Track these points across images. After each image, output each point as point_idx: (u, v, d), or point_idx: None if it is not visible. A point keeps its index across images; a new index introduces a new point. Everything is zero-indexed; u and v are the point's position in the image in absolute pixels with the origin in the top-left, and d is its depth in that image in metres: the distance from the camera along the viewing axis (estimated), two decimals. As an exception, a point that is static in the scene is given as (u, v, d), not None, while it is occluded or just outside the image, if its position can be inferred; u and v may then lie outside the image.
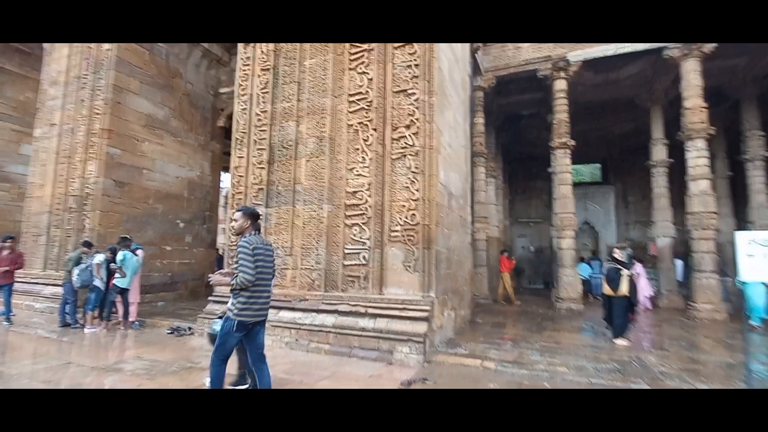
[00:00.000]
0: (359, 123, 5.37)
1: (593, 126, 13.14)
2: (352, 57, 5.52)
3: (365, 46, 5.44)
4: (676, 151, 10.28)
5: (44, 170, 8.53)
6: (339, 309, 5.07)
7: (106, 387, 3.74)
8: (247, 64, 6.28)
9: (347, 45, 5.55)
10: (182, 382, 3.83)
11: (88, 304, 6.20)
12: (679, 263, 10.66)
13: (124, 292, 6.25)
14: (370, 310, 4.92)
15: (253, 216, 3.00)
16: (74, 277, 6.14)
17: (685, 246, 12.43)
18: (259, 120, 6.02)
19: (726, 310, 7.69)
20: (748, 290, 3.94)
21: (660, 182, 10.29)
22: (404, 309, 4.77)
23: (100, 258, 6.19)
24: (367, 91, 5.36)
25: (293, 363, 4.52)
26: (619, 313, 5.59)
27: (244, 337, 2.87)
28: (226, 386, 3.13)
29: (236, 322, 2.75)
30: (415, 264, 4.92)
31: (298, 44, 5.87)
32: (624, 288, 5.53)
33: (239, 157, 6.15)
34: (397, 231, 5.04)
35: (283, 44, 5.99)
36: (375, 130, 5.27)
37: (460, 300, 6.66)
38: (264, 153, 5.91)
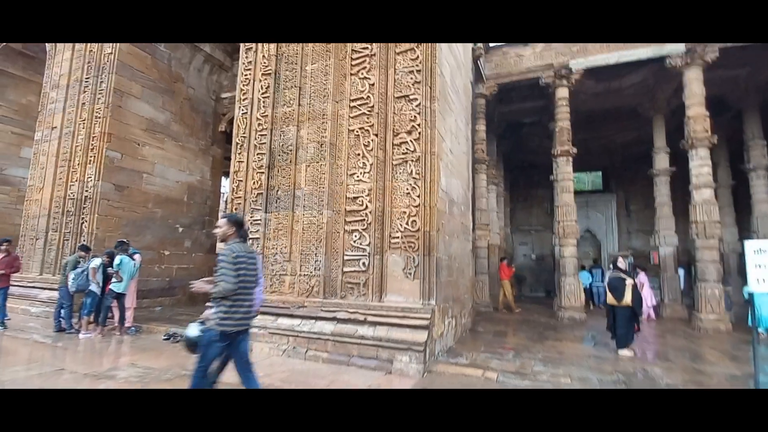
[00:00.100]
0: (360, 128, 5.33)
1: (595, 134, 13.12)
2: (354, 62, 5.50)
3: (367, 51, 5.43)
4: (678, 160, 10.25)
5: (43, 173, 8.50)
6: (338, 316, 4.98)
7: (98, 395, 3.65)
8: (249, 69, 6.26)
9: (349, 50, 5.54)
10: (176, 390, 3.73)
11: (83, 309, 6.12)
12: (680, 272, 10.56)
13: (120, 297, 6.17)
14: (370, 318, 4.83)
15: (237, 223, 2.95)
16: (70, 281, 6.07)
17: (687, 255, 12.36)
18: (260, 124, 5.99)
19: (730, 320, 7.58)
20: (756, 300, 3.85)
21: (662, 191, 10.22)
22: (404, 317, 4.68)
23: (96, 262, 6.11)
24: (369, 97, 5.33)
25: (290, 371, 4.42)
26: (622, 323, 5.49)
27: (227, 347, 2.80)
28: None
29: (218, 332, 2.70)
30: (415, 271, 4.84)
31: (299, 49, 5.86)
32: (628, 297, 5.44)
33: (239, 161, 6.10)
34: (397, 237, 4.97)
35: (285, 49, 5.98)
36: (376, 135, 5.22)
37: (461, 308, 6.57)
38: (264, 158, 5.86)
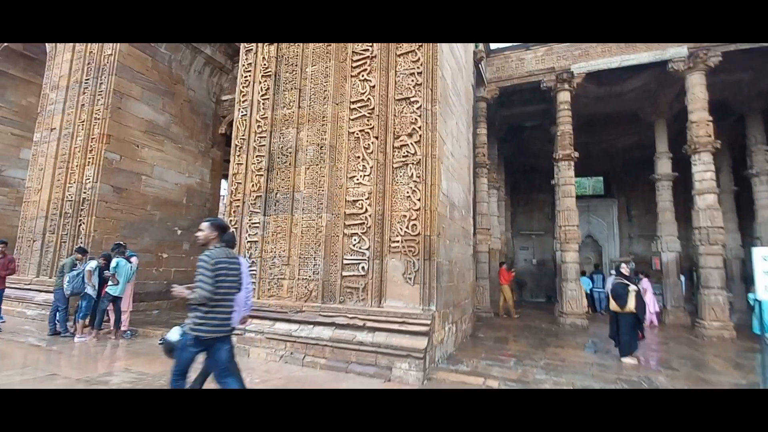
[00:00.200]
0: (360, 131, 5.27)
1: (596, 139, 13.07)
2: (355, 64, 5.46)
3: (368, 53, 5.38)
4: (680, 165, 10.18)
5: (41, 175, 8.44)
6: (336, 321, 4.89)
7: (90, 401, 3.57)
8: (249, 70, 6.22)
9: (350, 52, 5.49)
10: (170, 397, 3.64)
11: (78, 312, 6.03)
12: (681, 279, 10.46)
13: (116, 300, 6.09)
14: (369, 323, 4.74)
15: (220, 228, 2.90)
16: (65, 284, 5.99)
17: (689, 261, 12.26)
18: (259, 126, 5.94)
19: (734, 327, 7.48)
20: (764, 308, 3.77)
21: (665, 196, 10.15)
22: (404, 323, 4.60)
23: (92, 265, 6.03)
24: (369, 99, 5.28)
25: (287, 378, 4.33)
26: (626, 331, 5.40)
27: (205, 353, 2.75)
28: None
29: (192, 337, 2.65)
30: (415, 276, 4.76)
31: (300, 51, 5.81)
32: (631, 304, 5.36)
33: (238, 163, 6.04)
34: (397, 241, 4.89)
35: (285, 51, 5.94)
36: (376, 138, 5.16)
37: (462, 314, 6.48)
38: (263, 160, 5.81)
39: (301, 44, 5.82)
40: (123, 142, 8.23)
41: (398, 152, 5.07)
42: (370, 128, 5.21)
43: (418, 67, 5.14)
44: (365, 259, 4.98)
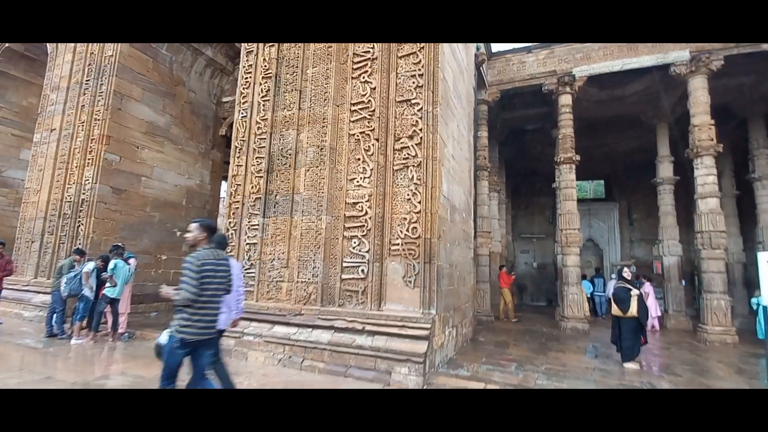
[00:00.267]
0: (361, 132, 5.24)
1: (597, 142, 13.03)
2: (356, 66, 5.43)
3: (369, 54, 5.36)
4: (682, 169, 10.14)
5: (41, 176, 8.42)
6: (335, 325, 4.84)
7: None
8: (249, 72, 6.20)
9: (350, 53, 5.47)
10: (166, 401, 3.59)
11: (75, 314, 5.98)
12: (681, 283, 10.40)
13: (113, 302, 6.03)
14: (368, 327, 4.69)
15: (208, 229, 2.87)
16: (62, 286, 5.95)
17: (690, 265, 12.20)
18: (259, 128, 5.91)
19: (736, 332, 7.41)
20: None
21: (666, 200, 10.11)
22: (403, 326, 4.55)
23: (89, 266, 5.99)
24: (370, 101, 5.25)
25: (285, 383, 4.27)
26: (628, 336, 5.35)
27: (189, 355, 2.72)
28: None
29: (178, 339, 2.62)
30: (415, 279, 4.71)
31: (300, 52, 5.79)
32: (634, 309, 5.30)
33: (238, 165, 6.01)
34: (397, 244, 4.85)
35: (286, 52, 5.92)
36: (377, 140, 5.13)
37: (462, 317, 6.42)
38: (263, 162, 5.77)
39: (301, 46, 5.81)
40: (123, 143, 8.20)
41: (399, 154, 5.04)
42: (371, 130, 5.18)
43: (419, 69, 5.11)
44: (365, 262, 4.93)
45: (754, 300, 7.73)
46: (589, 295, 11.48)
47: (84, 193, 7.73)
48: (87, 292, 5.94)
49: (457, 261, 6.19)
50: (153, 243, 8.86)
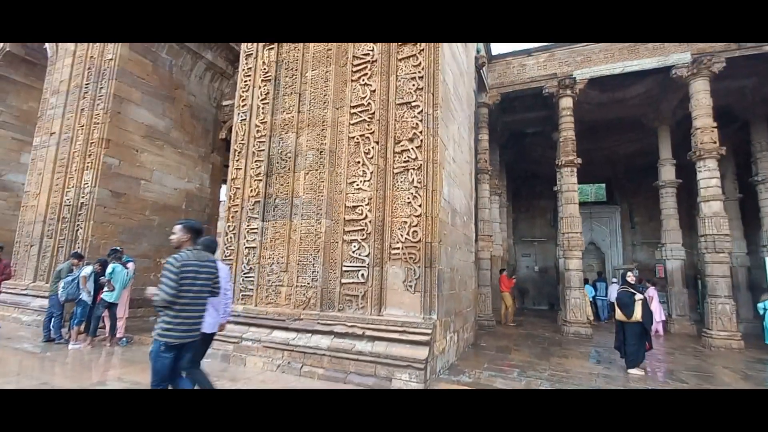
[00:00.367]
0: (361, 135, 5.19)
1: (598, 145, 12.99)
2: (355, 68, 5.40)
3: (368, 57, 5.33)
4: (684, 172, 10.09)
5: (40, 179, 8.39)
6: (335, 330, 4.77)
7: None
8: (249, 75, 6.17)
9: (350, 56, 5.44)
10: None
11: (73, 319, 5.92)
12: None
13: (111, 306, 5.97)
14: (368, 332, 4.62)
15: (193, 230, 2.85)
16: (60, 290, 5.89)
17: (693, 269, 12.10)
18: (259, 131, 5.87)
19: (741, 337, 7.32)
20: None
21: (669, 203, 10.04)
22: (404, 332, 4.48)
23: (87, 270, 5.94)
24: (370, 103, 5.21)
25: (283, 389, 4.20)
26: (633, 341, 5.27)
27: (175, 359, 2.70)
28: None
29: (162, 343, 2.60)
30: (416, 283, 4.65)
31: (300, 55, 5.77)
32: (638, 313, 5.23)
33: (237, 168, 5.97)
34: (397, 248, 4.79)
35: (285, 55, 5.89)
36: (377, 143, 5.09)
37: (464, 322, 6.35)
38: (262, 165, 5.73)
39: (300, 49, 5.78)
40: (122, 146, 8.17)
41: (399, 157, 4.99)
42: (371, 133, 5.14)
43: (419, 72, 5.08)
44: (365, 266, 4.87)
45: (760, 305, 7.65)
46: (591, 299, 11.39)
47: (83, 197, 7.70)
48: (85, 297, 5.89)
49: (458, 265, 6.13)
50: (152, 247, 8.81)
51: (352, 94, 5.37)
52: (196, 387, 2.93)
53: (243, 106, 6.12)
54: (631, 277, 5.52)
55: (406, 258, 4.73)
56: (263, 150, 5.77)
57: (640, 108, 10.49)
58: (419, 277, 4.63)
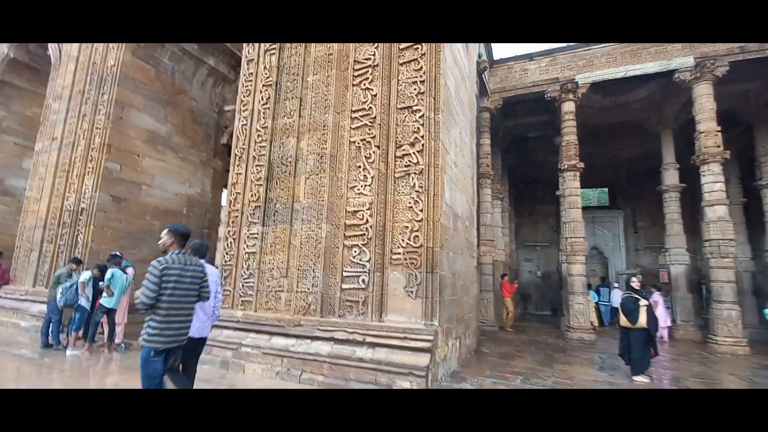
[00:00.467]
0: (362, 140, 5.17)
1: (600, 150, 12.95)
2: (356, 73, 5.38)
3: (370, 61, 5.32)
4: (687, 176, 10.02)
5: (41, 184, 8.40)
6: (335, 336, 4.71)
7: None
8: (250, 80, 6.17)
9: (351, 61, 5.43)
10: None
11: (71, 324, 5.88)
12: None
13: (110, 312, 5.93)
14: (369, 339, 4.55)
15: (179, 234, 2.84)
16: (58, 295, 5.85)
17: (697, 274, 11.99)
18: (259, 136, 5.85)
19: (747, 343, 7.22)
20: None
21: (672, 208, 9.97)
22: (405, 338, 4.41)
23: (85, 275, 5.90)
24: (371, 108, 5.19)
25: (283, 396, 4.14)
26: (637, 347, 5.18)
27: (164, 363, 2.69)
28: None
29: (150, 349, 2.58)
30: (417, 289, 4.59)
31: (301, 60, 5.76)
32: (642, 320, 5.14)
33: (237, 173, 5.95)
34: (399, 253, 4.73)
35: (287, 60, 5.89)
36: (378, 147, 5.05)
37: (466, 328, 6.27)
38: (263, 170, 5.71)
39: (302, 53, 5.78)
40: (124, 151, 8.18)
41: (400, 162, 4.95)
42: (372, 137, 5.11)
43: (420, 76, 5.05)
44: (366, 272, 4.82)
45: (766, 310, 7.54)
46: (594, 305, 11.28)
47: (84, 202, 7.69)
48: (83, 302, 5.85)
49: (460, 270, 6.07)
50: (153, 252, 8.76)
51: (353, 98, 5.35)
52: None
53: (244, 110, 6.11)
54: (635, 283, 5.44)
55: (407, 263, 4.68)
56: (264, 155, 5.74)
57: (642, 112, 10.46)
58: (420, 283, 4.58)
